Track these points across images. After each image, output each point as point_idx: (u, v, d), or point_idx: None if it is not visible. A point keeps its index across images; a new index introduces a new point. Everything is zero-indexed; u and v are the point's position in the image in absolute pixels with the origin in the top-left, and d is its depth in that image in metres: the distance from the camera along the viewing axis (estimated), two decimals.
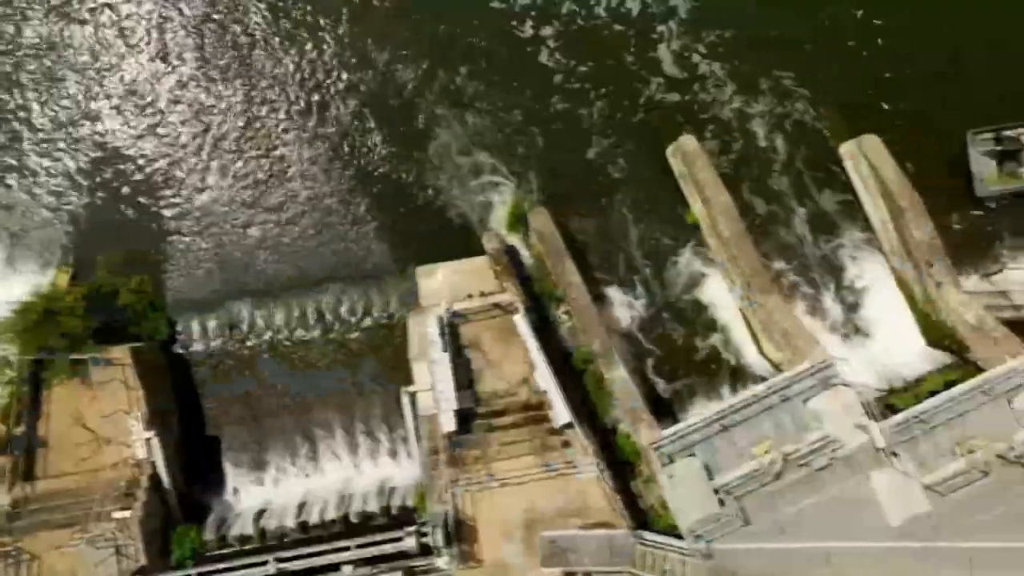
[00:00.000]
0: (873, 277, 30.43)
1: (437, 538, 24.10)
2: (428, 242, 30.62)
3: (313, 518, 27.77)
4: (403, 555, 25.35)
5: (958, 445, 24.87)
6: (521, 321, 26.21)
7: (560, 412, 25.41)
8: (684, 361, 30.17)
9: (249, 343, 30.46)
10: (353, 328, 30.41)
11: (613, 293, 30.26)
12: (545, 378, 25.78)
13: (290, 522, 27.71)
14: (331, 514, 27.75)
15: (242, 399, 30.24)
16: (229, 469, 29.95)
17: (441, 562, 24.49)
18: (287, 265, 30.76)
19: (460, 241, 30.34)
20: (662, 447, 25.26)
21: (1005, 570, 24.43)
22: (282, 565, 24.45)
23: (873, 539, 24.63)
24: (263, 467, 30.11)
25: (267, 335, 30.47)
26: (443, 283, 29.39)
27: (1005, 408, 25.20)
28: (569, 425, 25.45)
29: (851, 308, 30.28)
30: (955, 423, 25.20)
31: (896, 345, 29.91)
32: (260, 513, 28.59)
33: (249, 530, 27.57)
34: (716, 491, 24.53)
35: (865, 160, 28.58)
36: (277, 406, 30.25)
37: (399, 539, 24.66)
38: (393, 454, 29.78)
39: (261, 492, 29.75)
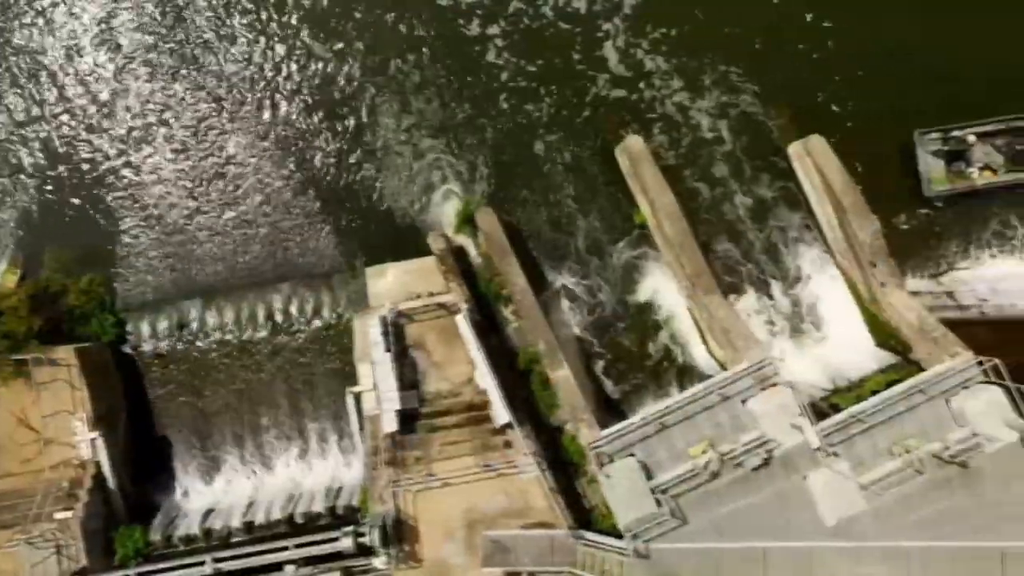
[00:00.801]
0: (823, 278, 30.44)
1: (374, 538, 24.17)
2: (380, 242, 30.64)
3: (259, 518, 27.79)
4: (343, 555, 25.45)
5: (895, 445, 25.02)
6: (462, 321, 26.25)
7: (499, 412, 25.46)
8: (633, 360, 30.19)
9: (199, 343, 30.39)
10: (303, 328, 30.40)
11: (559, 292, 30.30)
12: (485, 378, 25.82)
13: (236, 522, 27.78)
14: (276, 514, 27.82)
15: (192, 399, 30.18)
16: (179, 469, 29.96)
17: (378, 562, 24.56)
18: (238, 265, 30.73)
19: (412, 241, 30.36)
20: (600, 447, 25.37)
21: (940, 568, 24.64)
22: (219, 565, 24.52)
23: (808, 538, 24.69)
24: (213, 467, 30.12)
25: (217, 335, 30.44)
26: (393, 283, 29.42)
27: (943, 408, 25.32)
28: (509, 425, 25.48)
29: (801, 309, 30.28)
30: (893, 423, 25.28)
31: (846, 345, 29.94)
32: (208, 513, 28.68)
33: (195, 530, 27.62)
34: (653, 491, 24.60)
35: (811, 160, 28.62)
36: (227, 406, 30.20)
37: (336, 539, 24.72)
38: (342, 454, 29.81)
39: (210, 492, 29.75)
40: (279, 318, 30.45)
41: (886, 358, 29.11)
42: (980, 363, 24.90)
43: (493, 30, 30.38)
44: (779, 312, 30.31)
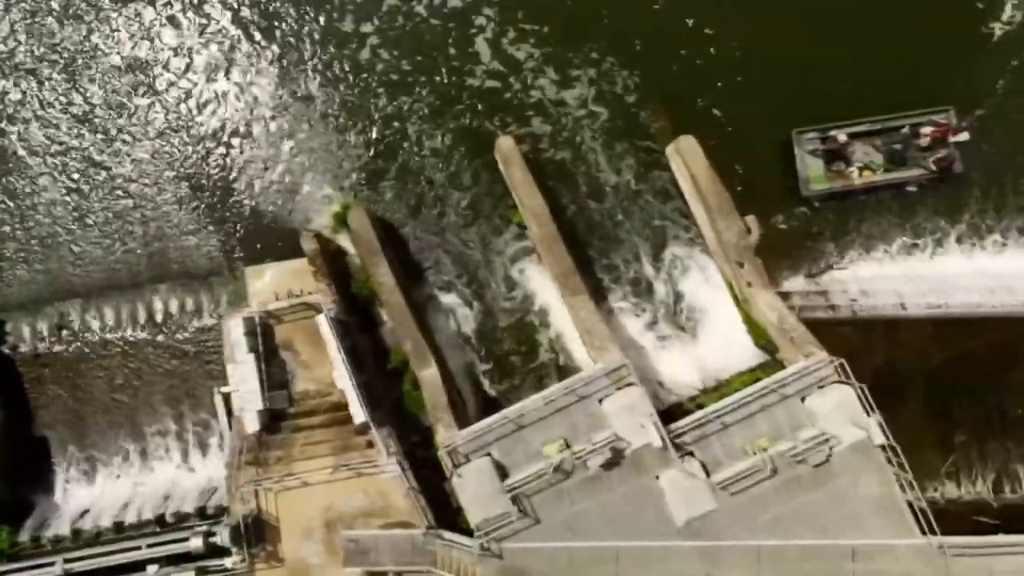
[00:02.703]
0: (704, 277, 30.50)
1: (224, 538, 24.25)
2: (263, 242, 30.72)
3: (130, 518, 27.87)
4: (202, 555, 25.52)
5: (749, 444, 25.17)
6: (322, 322, 26.29)
7: (356, 412, 25.51)
8: (514, 360, 30.21)
9: (79, 344, 30.40)
10: (183, 329, 30.44)
11: (440, 292, 30.34)
12: (343, 378, 25.87)
13: (106, 522, 27.84)
14: (148, 514, 27.90)
15: (72, 400, 30.20)
16: (58, 470, 30.04)
17: (229, 562, 24.64)
18: (119, 266, 30.69)
19: (296, 241, 30.30)
20: (457, 447, 25.47)
21: (791, 567, 24.79)
22: (69, 566, 24.58)
23: (660, 538, 24.86)
24: (92, 467, 30.15)
25: (97, 336, 30.45)
26: (271, 283, 29.41)
27: (798, 407, 25.48)
28: (366, 425, 25.54)
29: (682, 308, 30.39)
30: (749, 422, 25.42)
31: (725, 345, 30.07)
32: (83, 514, 28.73)
33: (64, 530, 27.69)
34: (506, 491, 24.72)
35: (682, 160, 28.69)
36: (108, 406, 30.20)
37: (186, 539, 24.80)
38: (220, 455, 29.81)
39: (89, 492, 29.83)
40: (159, 319, 30.48)
41: (762, 358, 29.34)
42: (831, 362, 25.07)
43: (367, 28, 30.34)
44: (660, 311, 30.38)
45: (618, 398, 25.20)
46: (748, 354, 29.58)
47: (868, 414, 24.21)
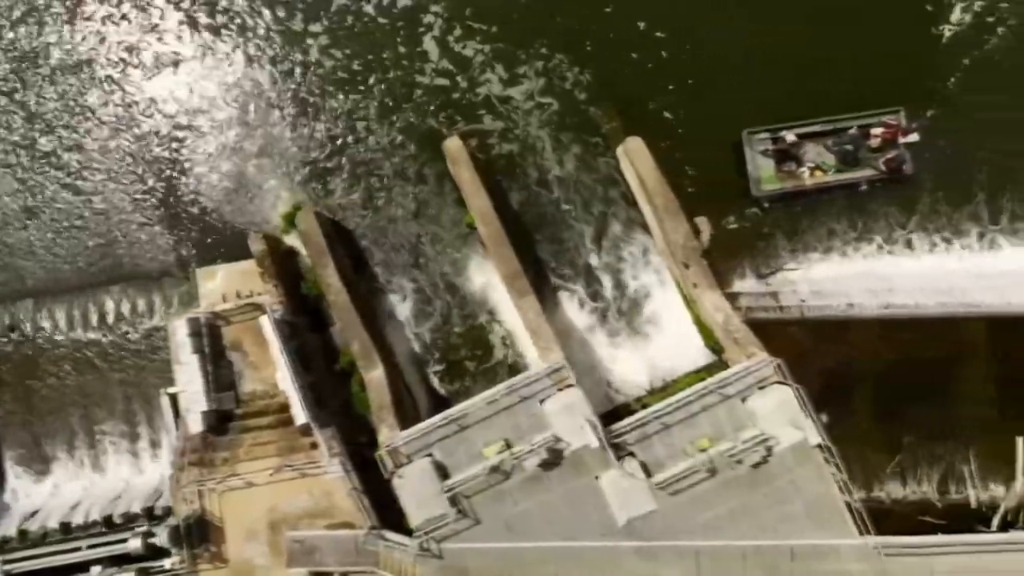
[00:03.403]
0: (656, 278, 30.63)
1: (163, 539, 24.32)
2: (213, 243, 30.84)
3: (78, 519, 27.90)
4: (146, 556, 25.60)
5: (690, 444, 25.23)
6: (266, 323, 26.35)
7: (298, 413, 25.57)
8: (464, 359, 30.33)
9: (32, 344, 30.52)
10: (135, 330, 30.53)
11: (391, 293, 30.41)
12: (285, 379, 25.93)
13: (53, 523, 27.87)
14: (96, 515, 27.93)
15: (24, 401, 30.35)
16: (8, 471, 30.13)
17: (168, 563, 24.73)
18: (70, 267, 30.79)
19: (244, 242, 30.28)
20: (399, 447, 25.51)
21: (731, 567, 24.86)
22: (9, 567, 24.63)
23: (600, 538, 24.92)
24: (45, 468, 30.29)
25: (49, 336, 30.52)
26: (222, 284, 29.48)
27: (740, 407, 25.50)
28: (307, 426, 25.58)
29: (633, 309, 30.49)
30: (691, 423, 25.45)
31: (676, 345, 30.15)
32: (32, 514, 28.77)
33: (11, 531, 27.72)
34: (446, 491, 24.77)
35: (629, 161, 28.75)
36: (60, 407, 30.32)
37: (125, 540, 24.88)
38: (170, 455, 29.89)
39: (39, 493, 29.93)
40: (111, 320, 30.56)
41: (711, 358, 29.41)
42: (771, 362, 25.13)
43: (316, 27, 30.35)
44: (612, 312, 30.47)
45: (559, 399, 25.24)
46: (699, 354, 29.73)
47: (805, 414, 24.29)
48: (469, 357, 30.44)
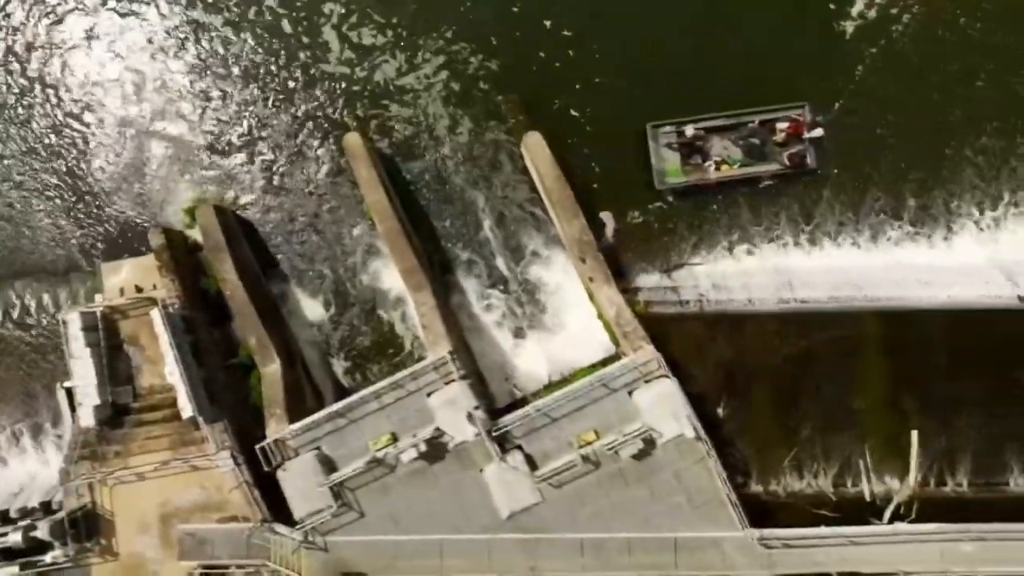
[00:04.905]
0: (564, 274, 30.61)
1: (44, 533, 24.36)
2: (120, 238, 30.80)
3: None
4: (29, 550, 25.61)
5: (576, 438, 25.33)
6: (156, 316, 26.36)
7: (184, 406, 25.61)
8: (371, 354, 30.39)
9: None
10: (39, 324, 30.50)
11: (296, 287, 30.39)
12: (173, 373, 25.97)
13: None
14: None
15: None
16: None
17: (49, 557, 24.77)
18: None
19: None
20: (286, 441, 25.58)
21: (615, 559, 25.00)
22: None
23: (484, 531, 25.08)
24: None
25: None
26: (127, 279, 29.46)
27: (626, 401, 25.62)
28: (193, 419, 25.61)
29: (539, 304, 30.49)
30: (578, 416, 25.58)
31: (581, 339, 30.18)
32: None
33: None
34: (328, 485, 24.84)
35: (528, 157, 28.79)
36: None
37: (5, 535, 24.94)
38: None
39: None
40: (16, 314, 30.53)
41: (611, 352, 29.50)
42: (654, 357, 25.24)
43: (215, 19, 30.30)
44: (517, 306, 30.53)
45: (445, 393, 25.31)
46: (602, 348, 29.81)
47: (683, 408, 24.42)
48: (376, 351, 30.51)
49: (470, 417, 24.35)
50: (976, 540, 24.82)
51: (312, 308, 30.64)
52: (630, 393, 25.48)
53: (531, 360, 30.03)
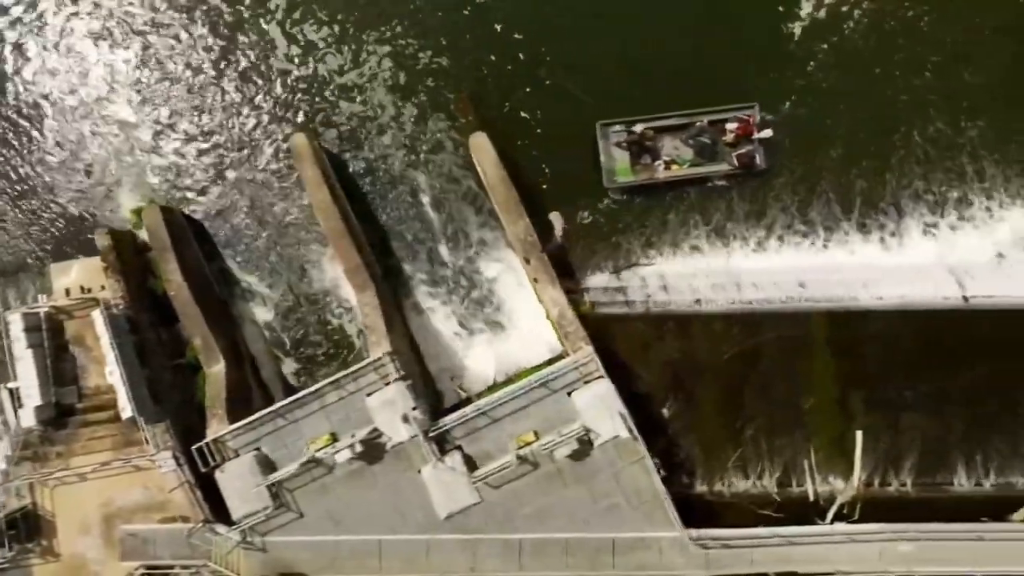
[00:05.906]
0: (513, 275, 30.57)
1: None
2: (71, 238, 30.70)
3: None
4: None
5: (515, 439, 25.35)
6: (97, 317, 26.37)
7: (124, 406, 25.63)
8: (319, 354, 30.39)
9: None
10: None
11: (246, 288, 30.37)
12: (113, 373, 25.99)
13: None
14: None
15: None
16: None
17: None
18: None
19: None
20: (225, 441, 25.61)
21: (553, 560, 25.05)
22: None
23: (423, 531, 25.13)
24: None
25: None
26: (76, 279, 29.45)
27: (565, 401, 25.63)
28: (133, 420, 25.62)
29: (488, 304, 30.50)
30: (518, 417, 25.62)
31: (530, 339, 30.19)
32: None
33: None
34: (265, 485, 24.86)
35: (475, 157, 28.77)
36: None
37: None
38: None
39: None
40: None
41: (558, 352, 29.52)
42: (591, 357, 25.27)
43: (164, 18, 30.26)
44: (467, 305, 30.53)
45: (384, 393, 25.31)
46: (550, 349, 29.80)
47: (619, 408, 24.45)
48: (325, 351, 30.52)
49: (405, 418, 24.34)
50: (913, 540, 24.89)
51: (263, 309, 30.64)
52: (569, 394, 25.54)
53: (480, 360, 30.05)
